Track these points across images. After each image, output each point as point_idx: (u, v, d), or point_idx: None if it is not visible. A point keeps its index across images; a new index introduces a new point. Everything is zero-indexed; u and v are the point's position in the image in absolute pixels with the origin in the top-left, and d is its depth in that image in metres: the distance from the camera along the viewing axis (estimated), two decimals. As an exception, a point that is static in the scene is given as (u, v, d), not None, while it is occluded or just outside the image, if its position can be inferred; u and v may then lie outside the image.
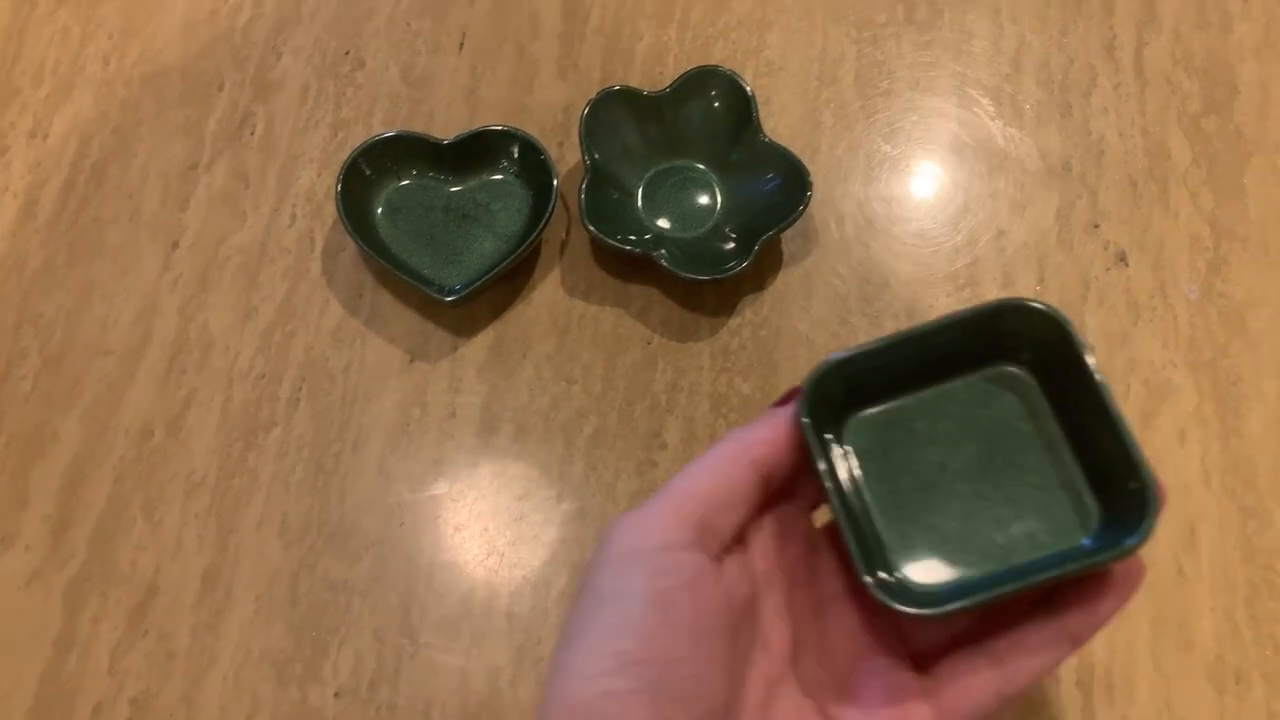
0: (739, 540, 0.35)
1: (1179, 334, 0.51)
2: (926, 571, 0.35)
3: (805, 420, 0.34)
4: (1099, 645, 0.46)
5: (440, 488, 0.50)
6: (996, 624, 0.34)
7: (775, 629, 0.35)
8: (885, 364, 0.35)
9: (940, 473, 0.36)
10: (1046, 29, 0.58)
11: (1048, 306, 0.34)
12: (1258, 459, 0.49)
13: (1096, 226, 0.54)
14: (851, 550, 0.33)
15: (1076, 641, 0.33)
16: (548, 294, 0.53)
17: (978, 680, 0.33)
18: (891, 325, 0.52)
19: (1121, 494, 0.33)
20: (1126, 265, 0.53)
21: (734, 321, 0.52)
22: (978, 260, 0.53)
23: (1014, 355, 0.36)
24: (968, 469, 0.36)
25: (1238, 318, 0.52)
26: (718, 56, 0.57)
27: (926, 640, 0.36)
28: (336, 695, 0.47)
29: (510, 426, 0.51)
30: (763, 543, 0.36)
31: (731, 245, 0.52)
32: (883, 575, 0.34)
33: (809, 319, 0.52)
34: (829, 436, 0.35)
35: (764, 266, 0.53)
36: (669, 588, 0.31)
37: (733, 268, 0.49)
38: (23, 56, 0.59)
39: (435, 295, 0.51)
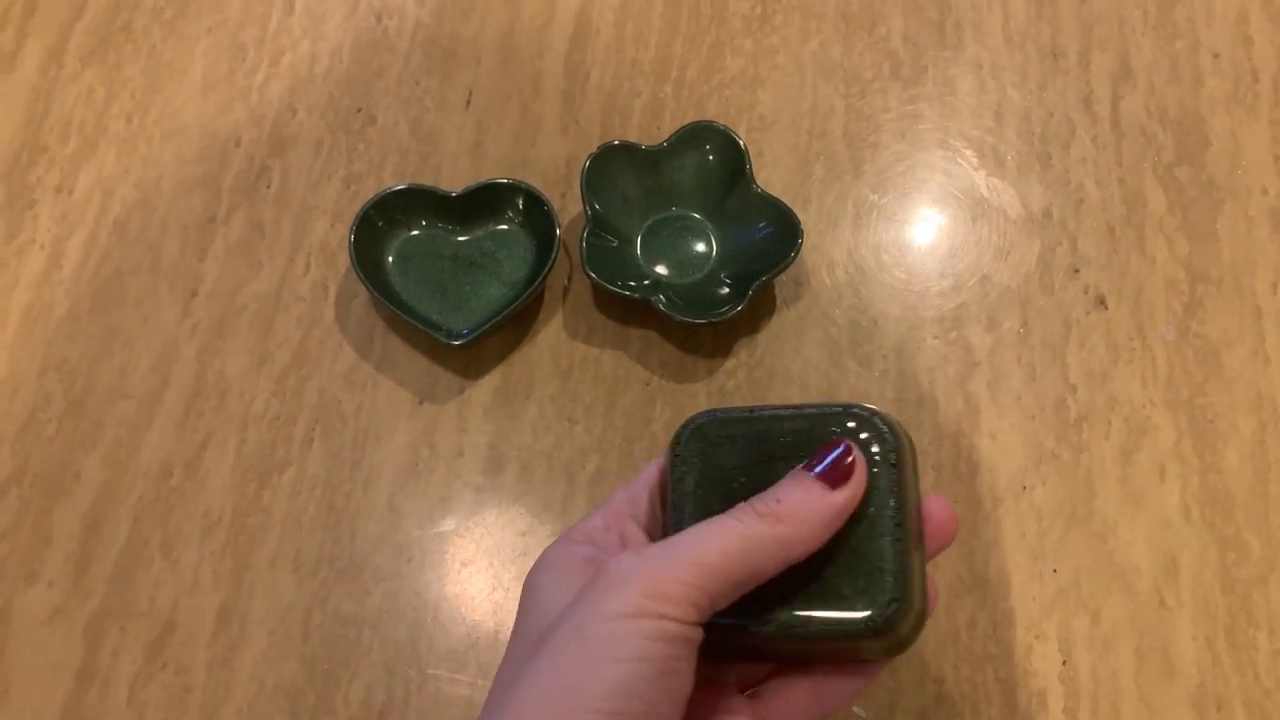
0: None
1: (1157, 374, 0.54)
2: None
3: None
4: (1085, 674, 0.48)
5: (448, 525, 0.52)
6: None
7: None
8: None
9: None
10: (1026, 84, 0.60)
11: (896, 423, 0.34)
12: (1235, 493, 0.51)
13: (1077, 271, 0.56)
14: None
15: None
16: (551, 337, 0.56)
17: (795, 702, 0.34)
18: (881, 366, 0.54)
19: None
20: (1106, 308, 0.55)
21: (730, 363, 0.55)
22: (964, 304, 0.55)
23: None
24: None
25: (1213, 358, 0.54)
26: (712, 112, 0.60)
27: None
28: (347, 726, 0.48)
29: (515, 465, 0.53)
30: None
31: (726, 290, 0.54)
32: None
33: (801, 361, 0.55)
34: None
35: (758, 310, 0.56)
36: (672, 656, 0.30)
37: (727, 311, 0.52)
38: (50, 115, 0.62)
39: (443, 339, 0.53)
